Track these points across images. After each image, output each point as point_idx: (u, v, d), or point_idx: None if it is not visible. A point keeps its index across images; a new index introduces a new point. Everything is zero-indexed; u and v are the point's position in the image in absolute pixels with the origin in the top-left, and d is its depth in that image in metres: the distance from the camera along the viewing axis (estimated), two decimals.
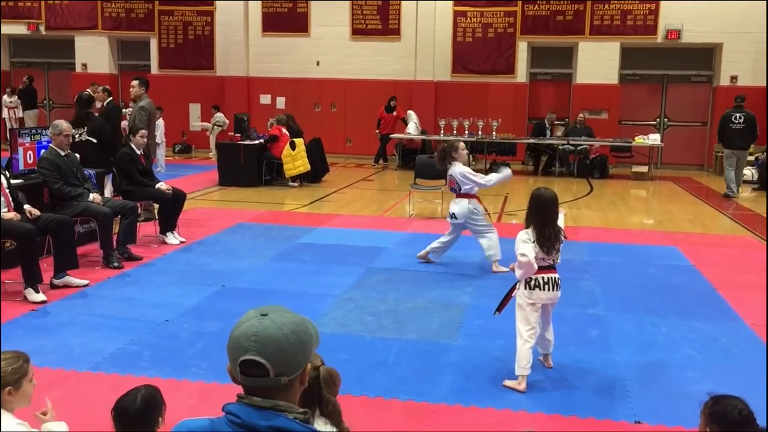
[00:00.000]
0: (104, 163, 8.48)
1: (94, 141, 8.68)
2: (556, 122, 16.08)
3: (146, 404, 2.45)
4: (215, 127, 16.91)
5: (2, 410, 2.63)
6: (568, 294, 5.75)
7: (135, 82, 9.31)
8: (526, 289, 4.30)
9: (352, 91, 17.34)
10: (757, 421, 2.34)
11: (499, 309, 4.56)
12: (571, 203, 11.33)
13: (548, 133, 15.63)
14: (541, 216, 4.26)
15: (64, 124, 6.86)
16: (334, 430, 1.82)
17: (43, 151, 7.17)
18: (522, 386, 4.25)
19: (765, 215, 10.67)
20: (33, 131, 7.75)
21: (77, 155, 7.36)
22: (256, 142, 12.96)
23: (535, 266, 4.19)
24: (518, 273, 4.31)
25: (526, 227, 4.33)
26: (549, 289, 4.29)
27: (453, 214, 7.06)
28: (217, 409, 1.57)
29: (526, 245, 4.21)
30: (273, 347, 1.49)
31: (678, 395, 4.22)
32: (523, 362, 4.25)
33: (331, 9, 17.32)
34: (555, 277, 4.33)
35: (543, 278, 4.28)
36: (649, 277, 6.98)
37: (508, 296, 4.48)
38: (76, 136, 8.59)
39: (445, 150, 7.16)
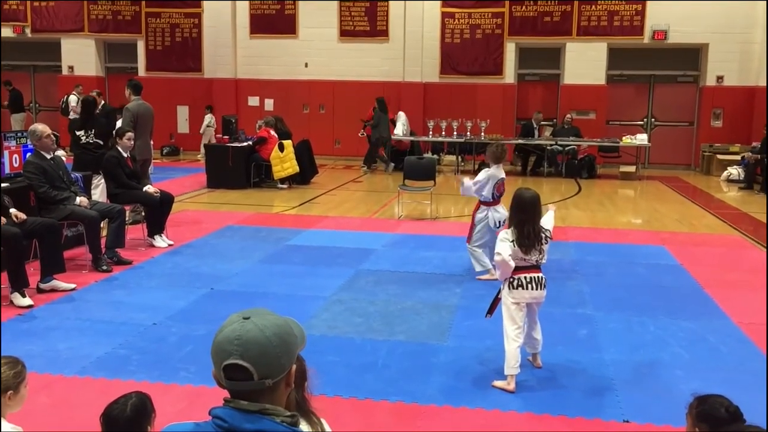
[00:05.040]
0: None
1: (101, 143, 8.85)
2: (543, 123, 16.13)
3: (136, 412, 2.43)
4: (208, 128, 16.85)
5: None
6: (557, 294, 5.79)
7: (126, 87, 9.41)
8: (509, 288, 4.32)
9: (340, 92, 17.33)
10: (743, 416, 2.35)
11: (490, 312, 4.57)
12: (559, 203, 11.37)
13: (536, 133, 15.68)
14: (521, 215, 4.29)
15: (39, 127, 6.79)
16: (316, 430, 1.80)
17: (28, 154, 7.11)
18: (511, 386, 4.26)
19: (751, 214, 10.76)
20: (19, 134, 7.69)
21: (63, 158, 7.35)
22: (245, 144, 12.93)
23: (511, 264, 4.22)
24: (497, 273, 4.37)
25: (508, 227, 4.36)
26: (532, 288, 4.30)
27: (506, 220, 6.68)
28: (206, 412, 1.56)
29: (502, 244, 4.26)
30: (256, 350, 1.48)
31: (666, 394, 4.24)
32: (511, 362, 4.26)
33: (319, 10, 17.30)
34: (538, 277, 4.34)
35: (525, 278, 4.29)
36: (637, 276, 7.02)
37: (497, 298, 4.50)
38: (83, 138, 8.86)
39: (502, 152, 6.84)
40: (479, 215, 6.81)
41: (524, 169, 15.66)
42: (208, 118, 16.88)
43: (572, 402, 4.14)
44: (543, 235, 4.33)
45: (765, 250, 8.23)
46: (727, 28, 15.75)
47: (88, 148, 8.84)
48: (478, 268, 6.80)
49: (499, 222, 6.61)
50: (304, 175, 13.20)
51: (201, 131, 17.02)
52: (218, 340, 1.51)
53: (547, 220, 4.53)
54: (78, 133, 8.91)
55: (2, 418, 2.66)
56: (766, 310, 5.72)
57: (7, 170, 7.24)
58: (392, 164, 15.16)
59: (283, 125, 13.44)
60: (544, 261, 4.39)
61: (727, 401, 2.36)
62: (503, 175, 6.79)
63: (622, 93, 16.90)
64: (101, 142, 8.88)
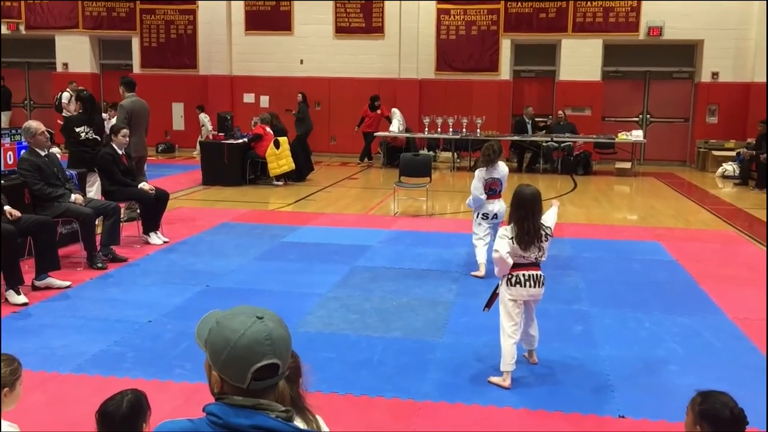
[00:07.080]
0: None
1: (99, 139, 8.76)
2: (535, 118, 16.12)
3: (132, 409, 2.42)
4: (203, 128, 16.76)
5: None
6: (552, 290, 5.79)
7: (119, 85, 9.37)
8: (507, 285, 4.32)
9: (336, 89, 17.30)
10: (747, 419, 2.27)
11: (488, 306, 4.57)
12: (555, 200, 11.36)
13: (529, 128, 15.68)
14: (521, 212, 4.26)
15: (33, 124, 6.76)
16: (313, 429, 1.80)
17: (23, 151, 7.09)
18: (507, 382, 4.26)
19: (746, 210, 10.78)
20: (13, 131, 7.66)
21: (57, 155, 7.31)
22: (240, 141, 12.91)
23: (509, 261, 4.21)
24: (495, 270, 4.36)
25: (508, 224, 4.35)
26: (530, 286, 4.29)
27: (495, 213, 6.69)
28: (201, 409, 1.56)
29: (501, 241, 4.25)
30: (283, 346, 1.53)
31: (661, 389, 4.25)
32: (507, 358, 4.26)
33: (314, 7, 17.27)
34: (537, 274, 4.32)
35: (524, 275, 4.28)
36: (633, 272, 7.03)
37: (495, 293, 4.50)
38: (83, 134, 8.74)
39: (497, 151, 6.75)
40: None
41: (520, 165, 15.67)
42: (203, 118, 16.78)
43: (568, 398, 4.15)
44: (543, 233, 4.30)
45: (762, 246, 8.25)
46: (722, 24, 15.77)
47: (87, 145, 8.70)
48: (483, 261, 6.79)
49: (486, 215, 6.68)
50: (300, 172, 13.19)
51: (203, 126, 16.92)
52: (243, 344, 1.48)
53: (549, 217, 4.49)
54: (77, 129, 8.80)
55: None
56: (767, 309, 5.73)
57: (1, 167, 7.21)
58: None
59: (279, 122, 13.43)
60: (543, 258, 4.36)
61: (732, 402, 2.28)
62: (495, 174, 6.64)
63: (617, 89, 16.92)
64: (99, 139, 8.84)
